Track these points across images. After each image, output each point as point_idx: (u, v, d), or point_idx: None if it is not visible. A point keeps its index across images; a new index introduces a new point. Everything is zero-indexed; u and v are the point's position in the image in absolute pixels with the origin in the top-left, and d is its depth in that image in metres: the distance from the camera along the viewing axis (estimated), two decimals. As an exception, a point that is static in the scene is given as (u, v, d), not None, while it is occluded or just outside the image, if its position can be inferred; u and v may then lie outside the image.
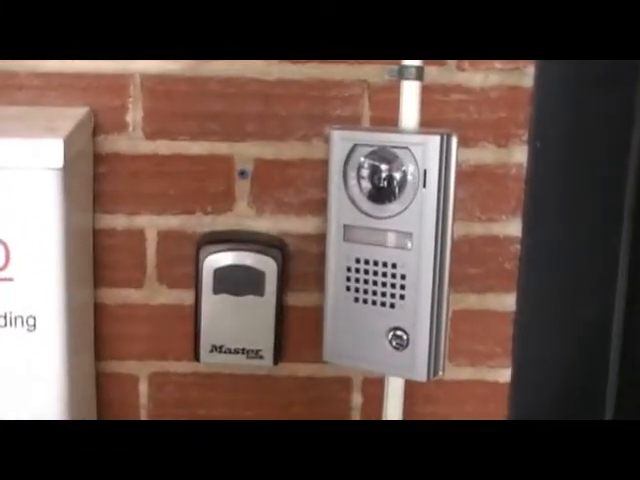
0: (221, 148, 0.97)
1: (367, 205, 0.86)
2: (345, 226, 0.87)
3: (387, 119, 0.95)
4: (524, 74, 0.97)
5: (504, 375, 1.03)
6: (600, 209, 0.99)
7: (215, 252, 0.95)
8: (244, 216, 0.98)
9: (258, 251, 0.95)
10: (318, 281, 0.96)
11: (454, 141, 0.84)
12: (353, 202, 0.87)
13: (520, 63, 0.96)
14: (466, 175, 0.97)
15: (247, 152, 0.97)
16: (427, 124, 0.93)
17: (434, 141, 0.83)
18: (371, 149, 0.86)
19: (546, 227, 0.99)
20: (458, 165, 0.85)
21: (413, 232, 0.84)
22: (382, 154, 0.85)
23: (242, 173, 0.97)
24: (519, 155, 0.98)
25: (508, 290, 1.01)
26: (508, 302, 1.01)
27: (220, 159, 0.97)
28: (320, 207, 0.97)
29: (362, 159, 0.86)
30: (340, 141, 0.86)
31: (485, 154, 0.98)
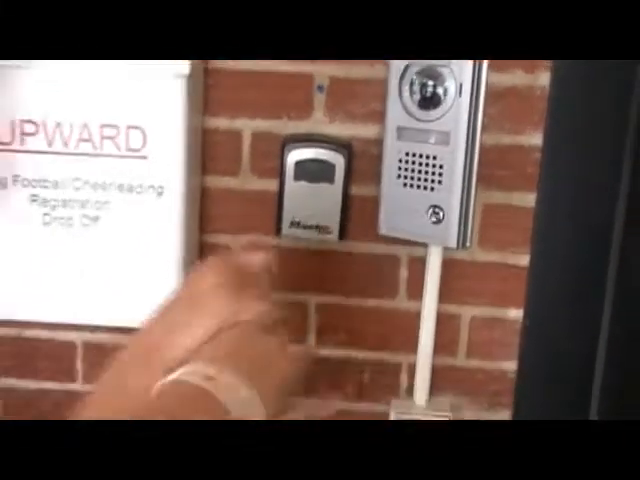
0: (303, 67, 1.22)
1: (416, 111, 1.12)
2: (398, 127, 1.13)
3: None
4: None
5: (524, 260, 1.27)
6: (613, 118, 1.22)
7: (296, 148, 1.21)
8: (320, 122, 1.24)
9: (330, 149, 1.21)
10: (375, 176, 1.22)
11: (484, 65, 1.08)
12: (405, 109, 1.12)
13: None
14: (499, 95, 1.21)
15: (324, 70, 1.22)
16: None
17: (468, 62, 1.07)
18: (420, 67, 1.11)
19: (564, 138, 1.23)
20: (491, 86, 1.10)
21: (450, 131, 1.10)
22: (428, 72, 1.10)
23: (319, 88, 1.23)
24: (543, 79, 1.21)
25: (530, 190, 1.25)
26: (529, 199, 1.25)
27: (302, 76, 1.22)
28: (380, 118, 1.22)
29: (414, 77, 1.11)
30: (396, 62, 1.12)
31: (515, 77, 1.21)
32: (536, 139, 1.23)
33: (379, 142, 1.21)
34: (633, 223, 1.25)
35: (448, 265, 1.25)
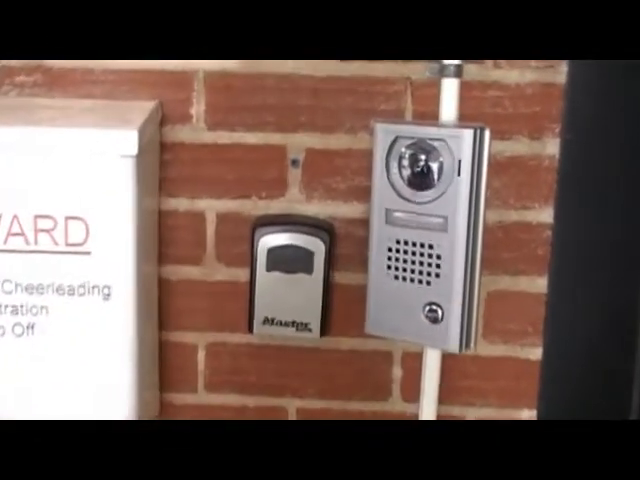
0: (275, 138, 1.06)
1: (407, 191, 0.95)
2: (387, 210, 0.96)
3: (428, 113, 1.03)
4: (557, 72, 1.04)
5: (535, 353, 1.10)
6: (627, 197, 1.05)
7: (269, 233, 1.04)
8: (295, 201, 1.07)
9: (308, 233, 1.04)
10: (362, 262, 1.05)
11: (487, 134, 0.92)
12: (394, 188, 0.95)
13: (554, 61, 1.03)
14: (501, 166, 1.05)
15: (299, 142, 1.06)
16: (465, 118, 1.01)
17: (468, 134, 0.90)
18: (411, 141, 0.94)
19: (577, 214, 1.06)
20: (493, 156, 0.93)
21: (448, 216, 0.92)
22: (421, 145, 0.94)
23: (294, 162, 1.06)
24: (552, 147, 1.05)
25: (540, 273, 1.08)
26: (540, 284, 1.08)
27: (274, 148, 1.06)
28: (365, 194, 1.05)
29: (403, 150, 0.94)
30: (383, 133, 0.95)
31: (520, 146, 1.05)
32: (546, 215, 1.07)
33: (365, 223, 1.04)
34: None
35: (448, 361, 1.07)
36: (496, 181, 1.04)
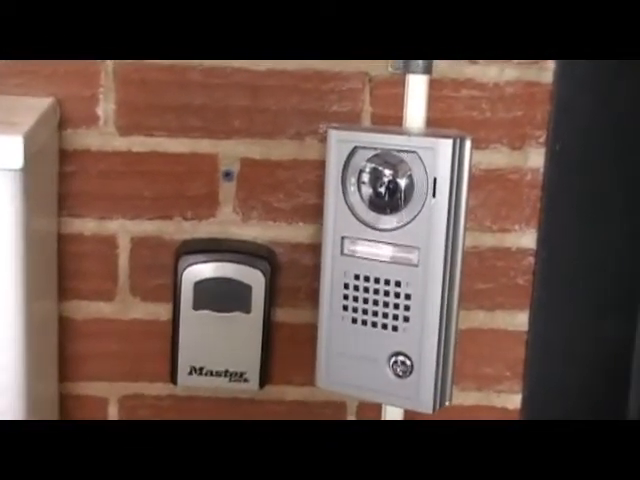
0: (203, 146, 0.86)
1: (368, 215, 0.76)
2: (343, 238, 0.77)
3: (390, 117, 0.85)
4: (543, 69, 0.87)
5: (513, 401, 0.93)
6: (623, 220, 0.89)
7: (196, 263, 0.85)
8: (229, 222, 0.88)
9: (244, 262, 0.85)
10: (311, 296, 0.87)
11: (468, 145, 0.74)
12: (352, 211, 0.77)
13: (539, 56, 0.86)
14: (477, 180, 0.87)
15: (233, 151, 0.86)
16: (435, 123, 0.83)
17: (446, 146, 0.72)
18: (374, 152, 0.75)
19: (563, 239, 0.90)
20: (471, 172, 0.75)
21: (420, 247, 0.74)
22: (386, 158, 0.75)
23: (227, 174, 0.87)
24: (536, 159, 0.88)
25: (520, 307, 0.91)
26: (520, 320, 0.92)
27: (202, 158, 0.86)
28: (314, 213, 0.87)
29: (363, 163, 0.76)
30: (339, 142, 0.76)
31: (498, 157, 0.88)
32: (528, 239, 0.90)
33: (314, 249, 0.86)
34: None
35: (411, 413, 0.89)
36: (470, 199, 0.86)
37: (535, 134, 0.88)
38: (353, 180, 0.77)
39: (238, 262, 0.85)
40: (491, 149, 0.88)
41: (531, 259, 0.90)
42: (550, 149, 0.88)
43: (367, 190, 0.76)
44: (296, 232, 0.88)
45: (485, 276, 0.90)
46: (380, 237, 0.76)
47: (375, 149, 0.75)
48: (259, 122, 0.86)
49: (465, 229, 0.76)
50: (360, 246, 0.77)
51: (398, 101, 0.82)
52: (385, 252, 0.76)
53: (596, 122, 0.87)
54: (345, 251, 0.77)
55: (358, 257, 0.77)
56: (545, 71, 0.87)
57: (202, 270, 0.85)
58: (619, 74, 0.86)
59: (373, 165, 0.76)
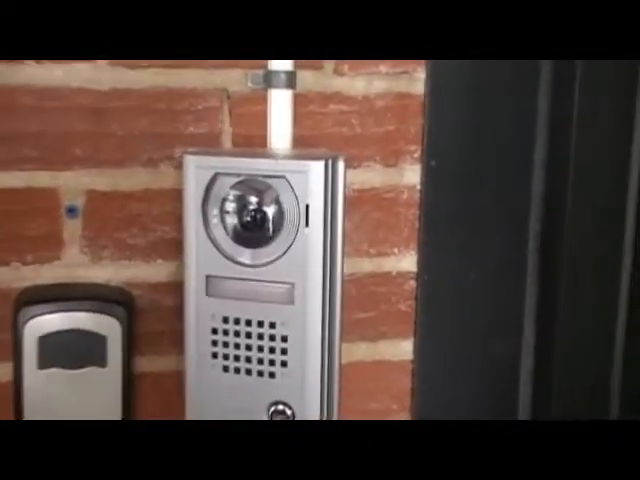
0: (41, 179, 0.75)
1: (235, 249, 0.68)
2: (208, 277, 0.68)
3: (253, 137, 0.77)
4: (414, 79, 0.81)
5: (402, 435, 0.86)
6: (505, 238, 0.85)
7: (39, 314, 0.73)
8: (76, 264, 0.77)
9: (96, 310, 0.74)
10: (176, 341, 0.77)
11: (341, 166, 0.67)
12: (217, 246, 0.68)
13: (409, 66, 0.80)
14: (350, 202, 0.80)
15: (76, 183, 0.76)
16: (302, 142, 0.76)
17: (317, 168, 0.65)
18: (237, 179, 0.67)
19: (445, 260, 0.84)
20: (345, 195, 0.68)
21: (295, 282, 0.67)
22: (251, 185, 0.67)
23: (71, 210, 0.76)
24: (411, 176, 0.82)
25: (404, 335, 0.85)
26: (404, 349, 0.85)
27: (41, 193, 0.75)
28: (173, 249, 0.77)
29: (226, 191, 0.68)
30: (197, 169, 0.67)
31: (372, 176, 0.82)
32: (407, 262, 0.84)
33: (176, 286, 0.76)
34: (543, 359, 0.89)
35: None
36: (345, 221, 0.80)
37: (409, 149, 0.82)
38: (215, 211, 0.68)
39: (89, 310, 0.74)
40: (364, 167, 0.81)
41: (412, 283, 0.84)
42: (426, 165, 0.82)
43: (232, 221, 0.68)
44: (155, 270, 0.78)
45: (365, 304, 0.84)
46: (249, 274, 0.68)
47: (239, 175, 0.67)
48: (105, 149, 0.76)
49: (343, 258, 0.68)
50: (227, 285, 0.68)
51: (261, 119, 0.74)
52: (256, 290, 0.68)
53: (473, 135, 0.82)
54: (211, 291, 0.69)
55: (226, 297, 0.68)
56: (415, 81, 0.81)
57: (47, 322, 0.73)
58: (492, 82, 0.82)
59: (237, 193, 0.68)
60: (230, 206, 0.68)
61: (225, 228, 0.68)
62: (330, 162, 0.66)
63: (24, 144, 0.74)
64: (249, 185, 0.67)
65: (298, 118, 0.75)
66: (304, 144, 0.77)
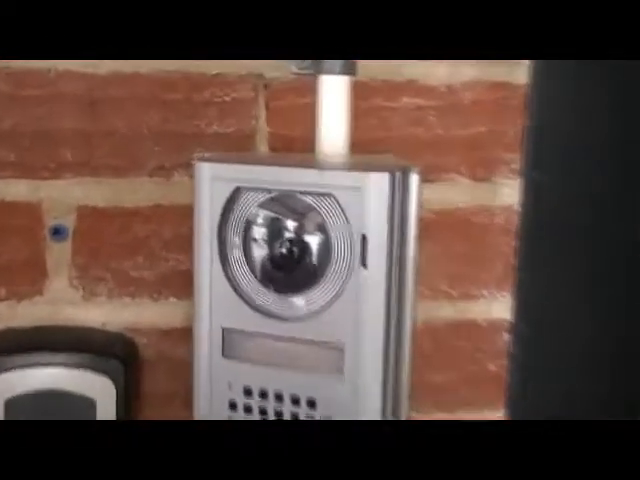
0: (19, 190, 0.58)
1: (262, 294, 0.49)
2: (225, 331, 0.49)
3: (297, 140, 0.58)
4: (514, 64, 0.61)
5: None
6: (629, 278, 0.63)
7: (9, 368, 0.56)
8: (63, 302, 0.59)
9: (83, 364, 0.56)
10: (191, 404, 0.58)
11: (414, 180, 0.47)
12: (237, 288, 0.49)
13: (508, 47, 0.60)
14: (426, 228, 0.60)
15: (64, 196, 0.58)
16: (362, 147, 0.57)
17: (378, 183, 0.45)
18: (267, 195, 0.48)
19: (549, 306, 0.63)
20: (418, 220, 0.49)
21: (345, 343, 0.47)
22: (287, 204, 0.48)
23: (57, 231, 0.58)
24: (508, 193, 0.62)
25: (493, 405, 0.64)
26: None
27: (18, 209, 0.58)
28: (189, 283, 0.58)
29: (253, 211, 0.48)
30: (212, 181, 0.48)
31: (455, 193, 0.62)
32: (500, 307, 0.63)
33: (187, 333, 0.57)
34: None
35: None
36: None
37: (506, 158, 0.62)
38: (237, 239, 0.49)
39: (74, 365, 0.56)
40: (445, 181, 0.61)
41: (505, 335, 0.64)
42: (527, 179, 0.61)
43: (259, 254, 0.49)
44: (165, 312, 0.60)
45: (443, 363, 0.64)
46: (282, 329, 0.48)
47: (269, 191, 0.48)
48: (103, 152, 0.58)
49: (415, 307, 0.49)
50: (251, 343, 0.49)
51: (307, 116, 0.55)
52: (290, 353, 0.48)
53: (587, 139, 0.61)
54: (228, 351, 0.50)
55: (248, 361, 0.49)
56: (517, 67, 0.60)
57: (18, 379, 0.56)
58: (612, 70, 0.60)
59: (267, 214, 0.48)
60: (257, 232, 0.49)
61: (250, 263, 0.49)
62: (398, 175, 0.46)
63: (-2, 143, 0.57)
64: (284, 204, 0.48)
65: (358, 115, 0.56)
66: (365, 150, 0.58)
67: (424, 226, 0.60)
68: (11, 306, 0.59)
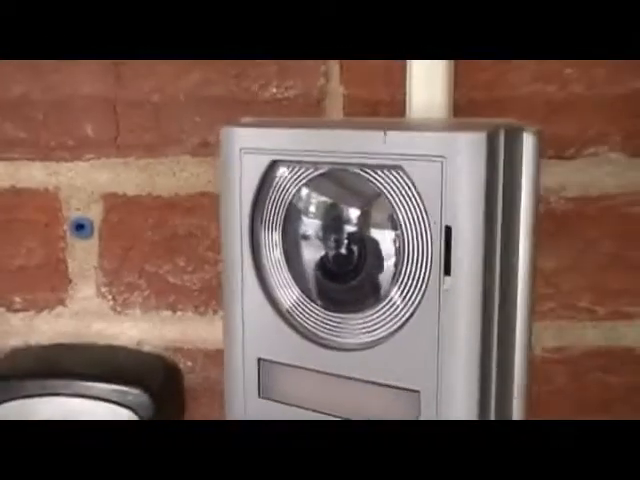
0: (31, 174, 0.46)
1: (309, 314, 0.34)
2: (260, 361, 0.35)
3: (382, 104, 0.43)
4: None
5: None
6: None
7: (19, 396, 0.45)
8: (90, 314, 0.47)
9: (108, 396, 0.44)
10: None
11: (530, 147, 0.31)
12: (275, 305, 0.35)
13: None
14: (557, 221, 0.44)
15: (86, 181, 0.46)
16: (472, 111, 0.42)
17: (473, 149, 0.30)
18: (315, 172, 0.34)
19: None
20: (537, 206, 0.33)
21: (422, 386, 0.32)
22: (344, 183, 0.33)
23: (80, 226, 0.46)
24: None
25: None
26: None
27: (31, 197, 0.46)
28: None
29: (295, 194, 0.34)
30: (242, 154, 0.35)
31: (602, 173, 0.45)
32: None
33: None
34: None
35: None
36: (546, 260, 0.44)
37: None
38: (275, 235, 0.35)
39: (97, 397, 0.44)
40: (587, 158, 0.45)
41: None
42: None
43: (308, 256, 0.35)
44: (213, 327, 0.47)
45: (584, 403, 0.47)
46: (335, 361, 0.34)
47: (316, 165, 0.33)
48: (130, 124, 0.45)
49: (529, 333, 0.33)
50: (294, 379, 0.35)
51: (396, 74, 0.41)
52: (346, 397, 0.34)
53: None
54: (266, 390, 0.36)
55: (292, 403, 0.35)
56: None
57: (29, 410, 0.44)
58: None
59: (317, 198, 0.34)
60: (304, 224, 0.35)
61: (292, 269, 0.35)
62: (501, 136, 0.30)
63: (3, 118, 0.46)
64: (339, 183, 0.34)
65: (462, 69, 0.41)
66: (474, 115, 0.43)
67: (555, 220, 0.45)
68: (28, 318, 0.48)
